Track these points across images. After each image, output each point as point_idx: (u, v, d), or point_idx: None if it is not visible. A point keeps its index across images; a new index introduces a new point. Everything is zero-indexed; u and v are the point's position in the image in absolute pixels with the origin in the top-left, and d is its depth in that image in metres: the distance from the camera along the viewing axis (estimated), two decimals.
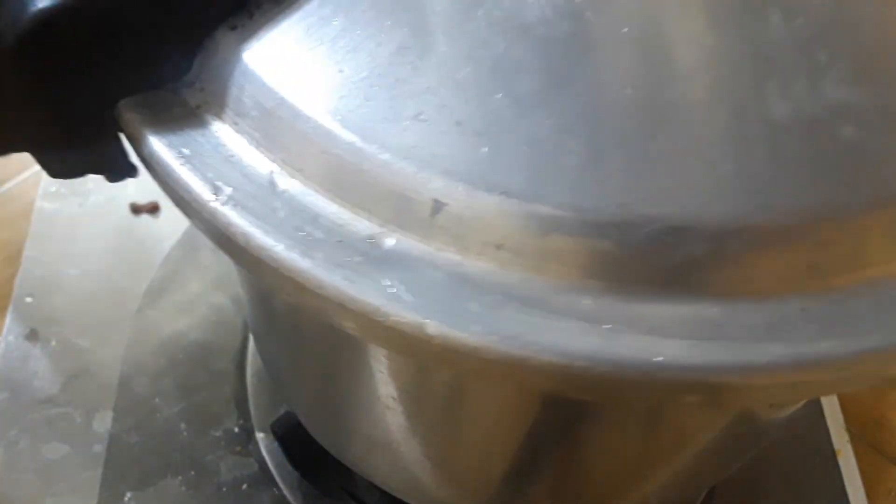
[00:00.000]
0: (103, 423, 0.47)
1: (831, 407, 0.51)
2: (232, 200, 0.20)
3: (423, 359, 0.19)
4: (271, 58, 0.21)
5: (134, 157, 0.23)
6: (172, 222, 0.56)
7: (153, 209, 0.57)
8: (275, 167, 0.20)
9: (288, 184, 0.20)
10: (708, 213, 0.18)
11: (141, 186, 0.57)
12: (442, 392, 0.26)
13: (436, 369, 0.20)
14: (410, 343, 0.18)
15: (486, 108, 0.19)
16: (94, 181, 0.57)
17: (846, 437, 0.50)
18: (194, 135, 0.21)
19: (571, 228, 0.18)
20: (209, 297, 0.53)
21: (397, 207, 0.19)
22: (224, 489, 0.45)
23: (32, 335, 0.50)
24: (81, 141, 0.22)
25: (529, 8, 0.20)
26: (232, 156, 0.21)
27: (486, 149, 0.19)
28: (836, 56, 0.20)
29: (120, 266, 0.54)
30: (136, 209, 0.57)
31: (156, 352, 0.50)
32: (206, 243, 0.55)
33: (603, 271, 0.18)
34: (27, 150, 0.22)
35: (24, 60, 0.20)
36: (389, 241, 0.19)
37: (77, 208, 0.56)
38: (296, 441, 0.43)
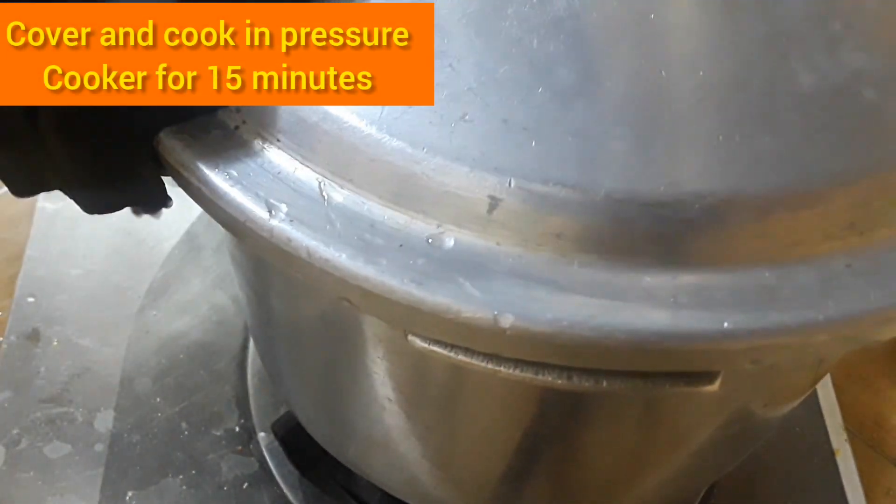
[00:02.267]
0: (105, 422, 0.47)
1: (830, 406, 0.51)
2: (288, 217, 0.20)
3: (498, 350, 0.20)
4: None
5: (170, 188, 0.23)
6: (173, 222, 0.56)
7: None
8: (324, 180, 0.21)
9: (339, 195, 0.20)
10: (752, 185, 0.19)
11: None
12: (438, 393, 0.26)
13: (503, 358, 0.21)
14: (484, 337, 0.19)
15: (529, 104, 0.20)
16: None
17: (844, 437, 0.50)
18: (239, 155, 0.21)
19: (627, 212, 0.19)
20: (210, 297, 0.53)
21: (453, 207, 0.20)
22: (225, 488, 0.45)
23: (34, 335, 0.50)
24: (118, 178, 0.22)
25: (557, 2, 0.20)
26: (279, 173, 0.21)
27: (534, 143, 0.19)
28: (849, 26, 0.21)
29: (121, 266, 0.54)
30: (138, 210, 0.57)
31: (157, 351, 0.50)
32: (207, 243, 0.56)
33: (659, 249, 0.19)
34: (62, 189, 0.22)
35: (60, 109, 0.20)
36: (449, 241, 0.20)
37: (78, 208, 0.56)
38: (296, 440, 0.44)
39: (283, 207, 0.20)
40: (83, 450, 0.46)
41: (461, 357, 0.21)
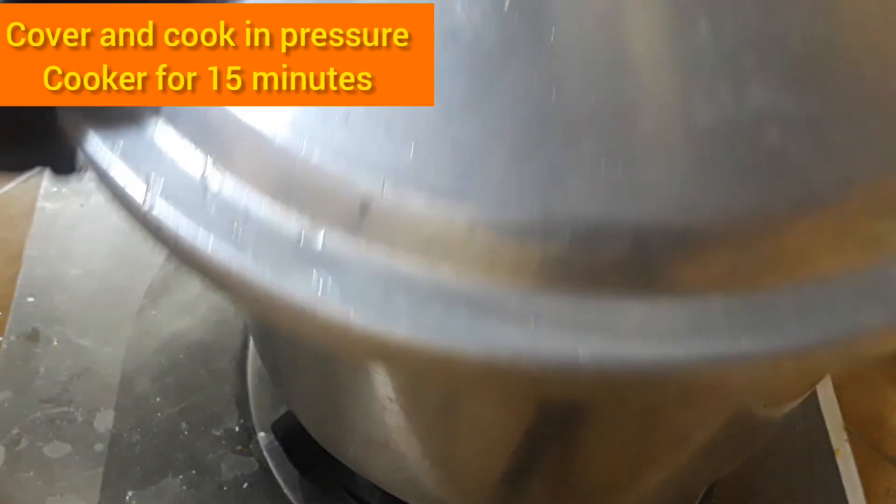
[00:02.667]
0: (105, 422, 0.47)
1: (829, 406, 0.51)
2: (164, 195, 0.20)
3: (350, 353, 0.20)
4: None
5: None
6: None
7: None
8: (208, 163, 0.20)
9: (220, 180, 0.20)
10: (629, 214, 0.18)
11: None
12: (438, 392, 0.26)
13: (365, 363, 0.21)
14: (337, 337, 0.18)
15: (413, 111, 0.19)
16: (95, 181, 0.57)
17: (844, 437, 0.50)
18: (131, 129, 0.21)
19: (495, 228, 0.19)
20: (210, 296, 0.53)
21: (327, 205, 0.19)
22: (225, 488, 0.45)
23: (34, 335, 0.50)
24: (24, 138, 0.22)
25: (458, 15, 0.20)
26: (166, 152, 0.21)
27: (413, 150, 0.19)
28: (763, 62, 0.20)
29: (121, 266, 0.54)
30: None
31: (157, 351, 0.50)
32: None
33: (527, 271, 0.19)
34: None
35: None
36: (319, 238, 0.19)
37: (78, 208, 0.56)
38: (296, 440, 0.44)
39: (160, 185, 0.20)
40: (83, 450, 0.46)
41: None
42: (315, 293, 0.18)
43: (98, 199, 0.57)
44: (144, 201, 0.20)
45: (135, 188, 0.20)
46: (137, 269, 0.54)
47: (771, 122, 0.19)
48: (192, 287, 0.53)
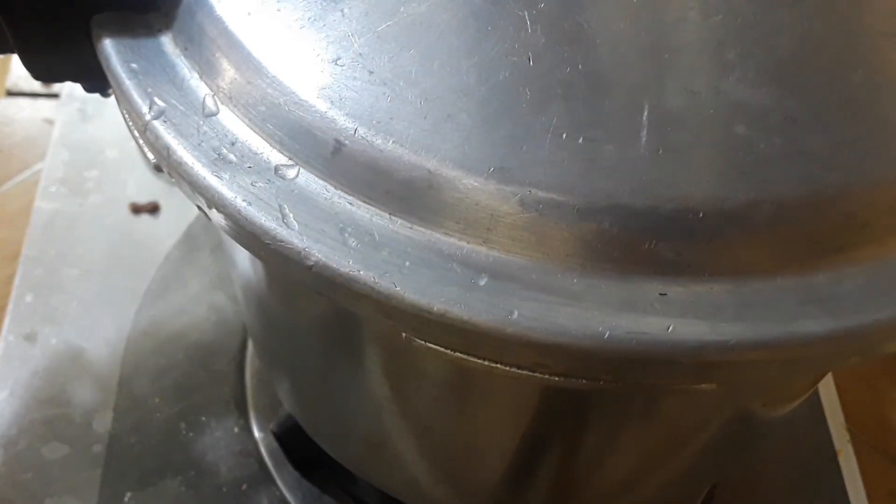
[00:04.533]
0: (103, 423, 0.47)
1: (832, 407, 0.51)
2: (163, 116, 0.21)
3: (302, 282, 0.20)
4: None
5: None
6: (172, 222, 0.56)
7: (153, 209, 0.57)
8: (209, 92, 0.22)
9: (217, 108, 0.22)
10: (576, 190, 0.19)
11: (141, 187, 0.57)
12: (435, 391, 0.26)
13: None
14: (290, 267, 0.19)
15: (396, 62, 0.20)
16: (93, 181, 0.57)
17: (847, 438, 0.50)
18: (147, 54, 0.23)
19: (454, 184, 0.19)
20: (209, 297, 0.53)
21: (304, 143, 0.20)
22: (224, 489, 0.45)
23: (32, 335, 0.50)
24: (60, 47, 0.24)
25: None
26: (175, 77, 0.22)
27: (388, 99, 0.20)
28: (745, 58, 0.20)
29: (120, 266, 0.54)
30: (136, 209, 0.57)
31: (155, 352, 0.50)
32: (205, 244, 0.55)
33: (578, 250, 0.19)
34: (14, 52, 0.24)
35: None
36: (292, 173, 0.20)
37: (77, 208, 0.56)
38: (295, 441, 0.44)
39: (162, 106, 0.21)
40: (81, 451, 0.46)
41: (457, 355, 0.21)
42: (276, 223, 0.19)
43: (96, 198, 0.57)
44: (146, 121, 0.21)
45: (140, 109, 0.21)
46: (136, 270, 0.54)
47: (741, 116, 0.19)
48: (191, 287, 0.53)
